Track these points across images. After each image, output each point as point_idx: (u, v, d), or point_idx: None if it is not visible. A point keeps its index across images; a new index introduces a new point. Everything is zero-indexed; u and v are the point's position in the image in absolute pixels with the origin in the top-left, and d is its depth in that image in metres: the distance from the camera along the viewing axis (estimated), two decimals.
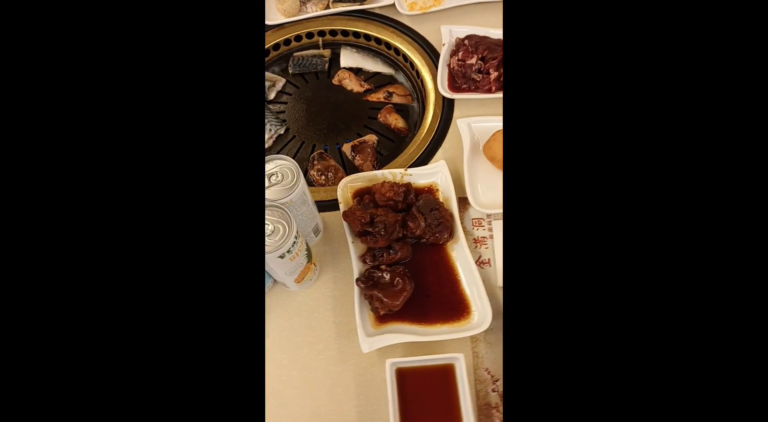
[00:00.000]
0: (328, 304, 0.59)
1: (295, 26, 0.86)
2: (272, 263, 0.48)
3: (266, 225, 0.47)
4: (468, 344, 0.55)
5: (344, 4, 0.85)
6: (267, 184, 0.50)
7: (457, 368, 0.52)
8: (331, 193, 0.67)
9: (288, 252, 0.47)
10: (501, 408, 0.52)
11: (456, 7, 0.82)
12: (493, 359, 0.54)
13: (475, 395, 0.52)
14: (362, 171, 0.74)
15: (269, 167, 0.50)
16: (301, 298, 0.60)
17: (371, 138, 0.77)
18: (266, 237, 0.46)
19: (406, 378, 0.52)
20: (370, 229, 0.58)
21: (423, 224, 0.58)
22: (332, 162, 0.75)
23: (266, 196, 0.49)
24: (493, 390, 0.53)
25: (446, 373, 0.52)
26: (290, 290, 0.60)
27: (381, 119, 0.79)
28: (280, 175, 0.50)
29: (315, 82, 0.85)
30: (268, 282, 0.58)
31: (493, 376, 0.53)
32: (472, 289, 0.57)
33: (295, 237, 0.47)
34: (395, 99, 0.81)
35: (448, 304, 0.56)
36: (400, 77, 0.85)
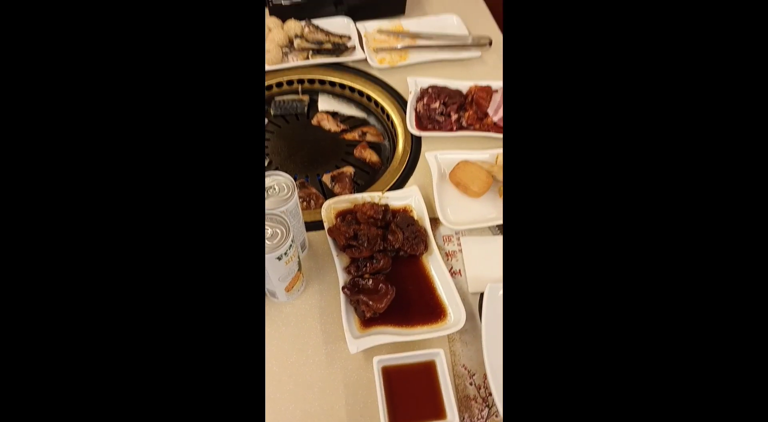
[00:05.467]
0: (315, 314, 0.63)
1: (278, 74, 0.95)
2: (269, 265, 0.53)
3: (266, 229, 0.52)
4: (446, 343, 0.60)
5: (322, 57, 0.96)
6: (266, 195, 0.55)
7: (438, 363, 0.56)
8: (313, 216, 0.73)
9: (285, 254, 0.52)
10: (478, 399, 0.56)
11: (419, 63, 0.96)
12: (469, 356, 0.59)
13: (455, 389, 0.57)
14: None
15: (268, 181, 0.56)
16: (288, 309, 0.63)
17: (348, 169, 0.85)
18: (266, 240, 0.51)
19: (392, 375, 0.56)
20: (354, 243, 0.64)
21: (401, 237, 0.65)
22: (313, 190, 0.81)
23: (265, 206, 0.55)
24: (471, 384, 0.57)
25: (428, 369, 0.57)
26: (278, 301, 0.63)
27: (357, 154, 0.88)
28: (277, 187, 0.56)
29: (295, 123, 0.94)
30: None
31: (469, 371, 0.58)
32: (446, 295, 0.63)
33: (292, 241, 0.53)
34: (368, 137, 0.91)
35: (427, 308, 0.62)
36: (372, 120, 0.96)
